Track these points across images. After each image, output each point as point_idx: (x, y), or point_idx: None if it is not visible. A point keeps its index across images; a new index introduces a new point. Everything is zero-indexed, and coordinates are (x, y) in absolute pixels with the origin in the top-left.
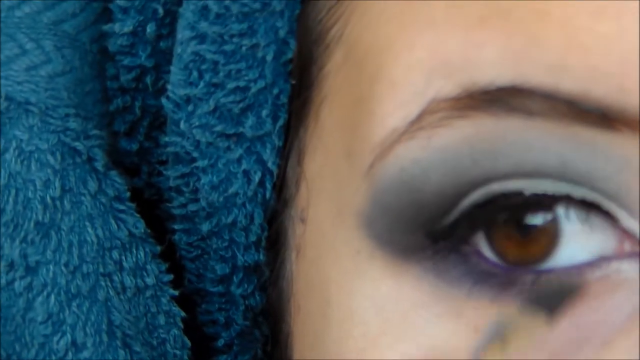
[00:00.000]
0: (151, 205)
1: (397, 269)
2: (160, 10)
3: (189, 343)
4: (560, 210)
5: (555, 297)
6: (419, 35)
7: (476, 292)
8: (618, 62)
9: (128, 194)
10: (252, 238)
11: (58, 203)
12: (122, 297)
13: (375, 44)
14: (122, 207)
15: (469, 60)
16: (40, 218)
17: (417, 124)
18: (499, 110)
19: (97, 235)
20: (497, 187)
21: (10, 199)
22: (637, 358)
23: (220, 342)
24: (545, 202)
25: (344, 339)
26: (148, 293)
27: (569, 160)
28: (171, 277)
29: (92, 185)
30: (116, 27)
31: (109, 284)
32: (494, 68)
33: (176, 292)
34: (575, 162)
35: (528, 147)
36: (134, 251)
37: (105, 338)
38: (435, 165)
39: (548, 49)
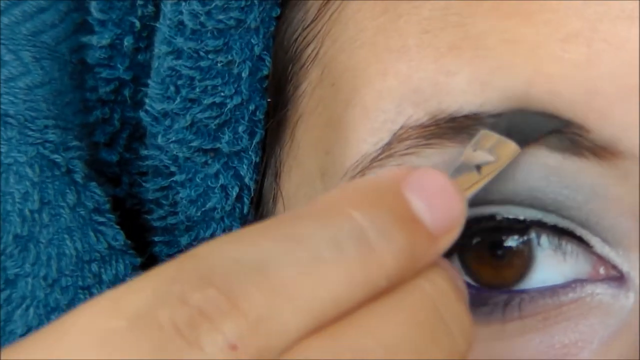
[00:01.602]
0: (134, 214)
1: None
2: (138, 24)
3: None
4: (533, 235)
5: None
6: (391, 62)
7: None
8: (583, 91)
9: (108, 205)
10: None
11: (37, 216)
12: None
13: (349, 67)
14: (101, 219)
15: (439, 88)
16: (18, 231)
17: (387, 151)
18: (465, 139)
19: (75, 248)
20: (470, 212)
21: None
22: None
23: None
24: (517, 227)
25: None
26: None
27: (537, 190)
28: None
29: (71, 198)
30: (94, 39)
31: (88, 297)
32: (462, 95)
33: None
34: (544, 192)
35: (496, 176)
36: (114, 263)
37: None
38: None
39: (515, 76)
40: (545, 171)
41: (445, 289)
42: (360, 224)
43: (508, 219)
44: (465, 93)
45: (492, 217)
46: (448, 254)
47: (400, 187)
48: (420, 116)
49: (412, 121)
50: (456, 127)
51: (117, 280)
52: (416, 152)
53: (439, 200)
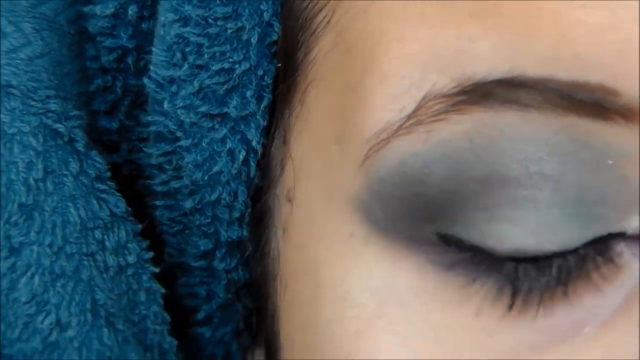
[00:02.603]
0: (129, 181)
1: (396, 255)
2: None
3: (168, 318)
4: None
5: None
6: (410, 28)
7: (480, 280)
8: (611, 53)
9: (109, 173)
10: (236, 214)
11: (41, 185)
12: (105, 276)
13: (365, 34)
14: (103, 186)
15: (463, 55)
16: (23, 200)
17: (414, 117)
18: (494, 104)
19: (79, 216)
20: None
21: None
22: (635, 340)
23: (201, 315)
24: None
25: (337, 321)
26: (130, 271)
27: (567, 152)
28: (151, 254)
29: (74, 166)
30: (97, 9)
31: (92, 263)
32: (488, 62)
33: (157, 269)
34: (573, 154)
35: (526, 140)
36: (116, 230)
37: (89, 317)
38: (437, 159)
39: (540, 41)
40: (575, 135)
41: None
42: None
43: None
44: (490, 59)
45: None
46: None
47: None
48: (446, 83)
49: (438, 88)
50: (485, 93)
51: (119, 247)
52: (446, 119)
53: None
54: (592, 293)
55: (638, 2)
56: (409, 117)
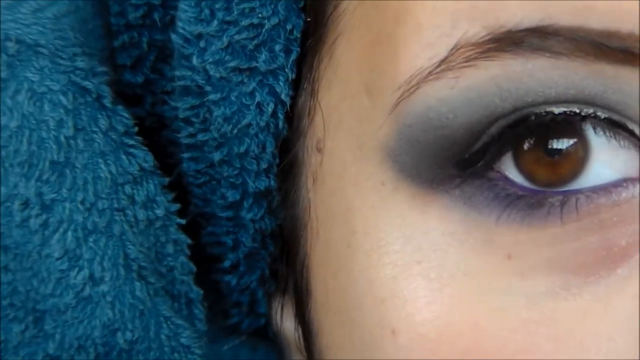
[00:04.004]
0: (153, 133)
1: (424, 200)
2: None
3: (194, 268)
4: (589, 128)
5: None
6: None
7: (505, 216)
8: None
9: (136, 128)
10: (264, 165)
11: (72, 142)
12: (135, 230)
13: None
14: (131, 141)
15: (495, 3)
16: (55, 157)
17: (444, 64)
18: (525, 52)
19: (110, 172)
20: (526, 111)
21: (25, 140)
22: None
23: (227, 263)
24: (572, 121)
25: (372, 268)
26: (158, 224)
27: (594, 94)
28: (178, 206)
29: (103, 123)
30: None
31: (123, 218)
32: (520, 10)
33: (183, 221)
34: (600, 95)
35: (554, 84)
36: (145, 184)
37: (122, 271)
38: (463, 104)
39: None
40: (604, 80)
41: None
42: None
43: (565, 112)
44: (522, 8)
45: (549, 112)
46: (502, 154)
47: None
48: (478, 30)
49: (469, 36)
50: (516, 40)
51: (148, 201)
52: (475, 65)
53: None
54: (623, 232)
55: None
56: (440, 63)
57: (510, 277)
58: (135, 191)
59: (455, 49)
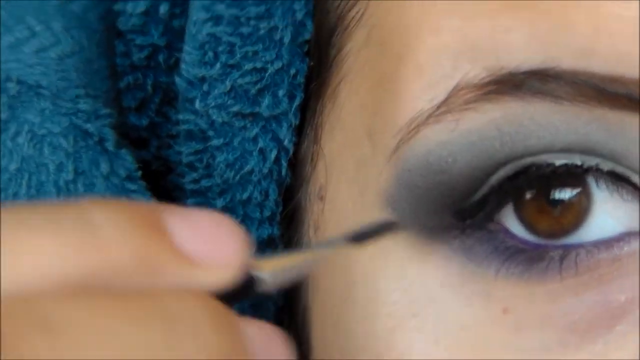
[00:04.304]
0: (159, 176)
1: (422, 250)
2: None
3: None
4: (591, 180)
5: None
6: (444, 19)
7: (504, 270)
8: None
9: (139, 172)
10: (267, 213)
11: (72, 186)
12: None
13: (399, 27)
14: (133, 186)
15: (496, 45)
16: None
17: (444, 106)
18: (526, 95)
19: None
20: (528, 160)
21: (24, 183)
22: None
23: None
24: (575, 172)
25: (368, 320)
26: None
27: (596, 141)
28: None
29: (105, 167)
30: (129, 7)
31: None
32: (522, 52)
33: None
34: (602, 143)
35: (556, 129)
36: None
37: None
38: (463, 148)
39: (576, 33)
40: (606, 126)
41: (195, 313)
42: (92, 215)
43: (567, 164)
44: (524, 50)
45: (550, 164)
46: (502, 205)
47: (162, 210)
48: (478, 72)
49: (470, 77)
50: (517, 83)
51: None
52: (475, 108)
53: (206, 233)
54: (623, 287)
55: None
56: (440, 105)
57: (505, 332)
58: None
59: (456, 90)
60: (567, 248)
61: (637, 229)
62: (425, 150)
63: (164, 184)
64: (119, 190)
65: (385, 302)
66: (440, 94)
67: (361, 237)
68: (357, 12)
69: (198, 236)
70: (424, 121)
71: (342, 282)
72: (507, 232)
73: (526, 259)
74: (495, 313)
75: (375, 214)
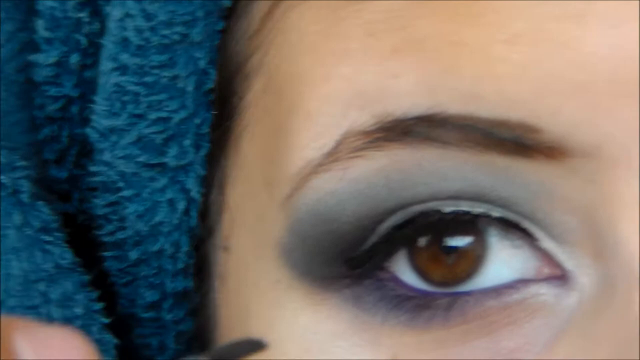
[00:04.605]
0: (85, 229)
1: (315, 299)
2: (84, 41)
3: None
4: (484, 227)
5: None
6: (335, 66)
7: (391, 318)
8: (531, 90)
9: (56, 224)
10: (180, 265)
11: None
12: None
13: (293, 74)
14: (48, 238)
15: (384, 91)
16: None
17: (333, 155)
18: (413, 141)
19: (22, 269)
20: (416, 208)
21: None
22: None
23: None
24: (464, 220)
25: None
26: (77, 323)
27: (485, 187)
28: (102, 305)
29: (17, 218)
30: (41, 58)
31: (35, 316)
32: (409, 98)
33: (107, 320)
34: (491, 189)
35: (444, 176)
36: (62, 282)
37: None
38: (351, 196)
39: (462, 78)
40: (494, 171)
41: None
42: None
43: (455, 211)
44: (411, 96)
45: (438, 211)
46: (393, 254)
47: (13, 328)
48: (366, 119)
49: (358, 125)
50: (404, 130)
51: (65, 299)
52: (363, 155)
53: (54, 353)
54: (512, 334)
55: (560, 38)
56: (328, 154)
57: None
58: (50, 289)
59: (344, 138)
60: (455, 296)
61: (530, 277)
62: (315, 199)
63: (90, 237)
64: (33, 241)
65: (280, 353)
66: (329, 143)
67: (226, 355)
68: (256, 60)
69: (43, 356)
70: (313, 170)
71: (240, 331)
72: (397, 280)
73: (413, 306)
74: None
75: (271, 265)
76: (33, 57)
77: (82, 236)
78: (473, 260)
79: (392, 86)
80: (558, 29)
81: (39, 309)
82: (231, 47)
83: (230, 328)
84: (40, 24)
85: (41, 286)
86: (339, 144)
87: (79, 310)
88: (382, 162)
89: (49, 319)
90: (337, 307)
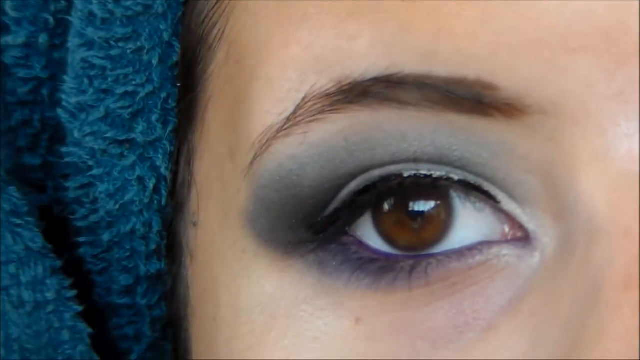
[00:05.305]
0: (61, 221)
1: (280, 265)
2: (52, 20)
3: (97, 358)
4: (452, 193)
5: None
6: (293, 31)
7: (354, 280)
8: (486, 46)
9: (26, 209)
10: (152, 246)
11: None
12: (20, 311)
13: (253, 41)
14: (19, 221)
15: (341, 54)
16: None
17: (293, 120)
18: (372, 102)
19: None
20: (376, 173)
21: None
22: (521, 341)
23: (133, 357)
24: (425, 183)
25: (232, 339)
26: (49, 308)
27: (444, 148)
28: (74, 292)
29: None
30: (9, 39)
31: (5, 298)
32: (366, 59)
33: (80, 308)
34: (450, 149)
35: (403, 137)
36: (32, 265)
37: (2, 351)
38: (312, 160)
39: (418, 36)
40: (454, 131)
41: None
42: None
43: (415, 174)
44: (368, 57)
45: (399, 175)
46: (356, 218)
47: None
48: (324, 83)
49: (316, 89)
50: (363, 91)
51: (36, 282)
52: (322, 119)
53: None
54: (475, 295)
55: None
56: (288, 119)
57: (358, 341)
58: (20, 271)
59: (303, 102)
60: (419, 259)
61: (494, 239)
62: (277, 164)
63: (65, 229)
64: (2, 224)
65: (246, 321)
66: (289, 107)
67: None
68: (218, 30)
69: None
70: (274, 135)
71: (210, 306)
72: (361, 244)
73: (376, 269)
74: (347, 324)
75: (237, 234)
76: (2, 40)
77: (57, 228)
78: (440, 225)
79: (349, 48)
80: None
81: (10, 290)
82: (194, 18)
83: (201, 302)
84: (8, 4)
85: (12, 268)
86: (298, 108)
87: (50, 295)
88: (341, 125)
89: (20, 301)
90: (301, 273)
